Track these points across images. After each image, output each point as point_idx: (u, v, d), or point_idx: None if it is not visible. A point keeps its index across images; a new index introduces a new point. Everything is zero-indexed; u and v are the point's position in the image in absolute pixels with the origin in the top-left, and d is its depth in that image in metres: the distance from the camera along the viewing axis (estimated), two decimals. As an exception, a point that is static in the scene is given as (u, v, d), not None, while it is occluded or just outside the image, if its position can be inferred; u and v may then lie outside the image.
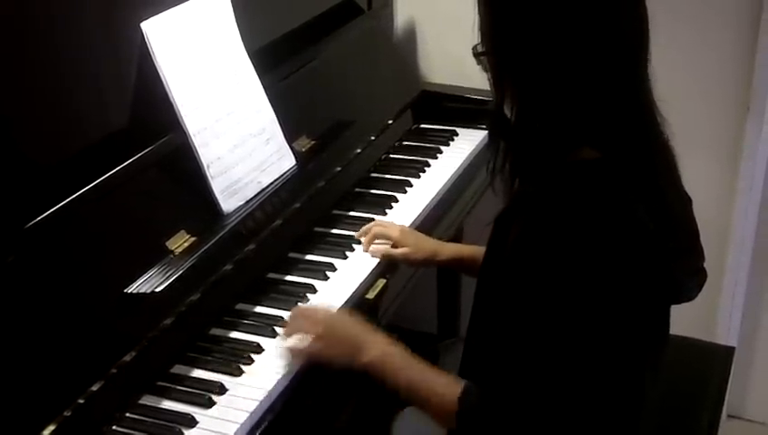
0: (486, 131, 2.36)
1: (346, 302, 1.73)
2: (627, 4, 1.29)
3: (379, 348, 1.49)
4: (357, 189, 2.14)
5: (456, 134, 2.41)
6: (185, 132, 1.70)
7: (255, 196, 1.81)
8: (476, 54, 1.36)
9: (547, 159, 1.33)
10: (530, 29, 1.27)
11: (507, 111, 1.35)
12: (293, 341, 1.56)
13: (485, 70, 1.37)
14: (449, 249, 1.88)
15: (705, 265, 1.54)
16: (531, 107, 1.32)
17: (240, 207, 1.77)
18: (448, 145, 2.36)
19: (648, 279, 1.29)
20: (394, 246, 1.87)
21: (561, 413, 1.31)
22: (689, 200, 1.46)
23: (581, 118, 1.30)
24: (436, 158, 2.29)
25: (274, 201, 1.84)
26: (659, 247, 1.30)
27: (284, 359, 1.56)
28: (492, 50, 1.33)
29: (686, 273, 1.46)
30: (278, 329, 1.63)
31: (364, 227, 1.92)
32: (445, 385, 1.42)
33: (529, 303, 1.28)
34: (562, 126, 1.31)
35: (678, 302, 1.47)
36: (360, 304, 1.72)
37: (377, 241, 1.88)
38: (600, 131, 1.31)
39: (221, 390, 1.49)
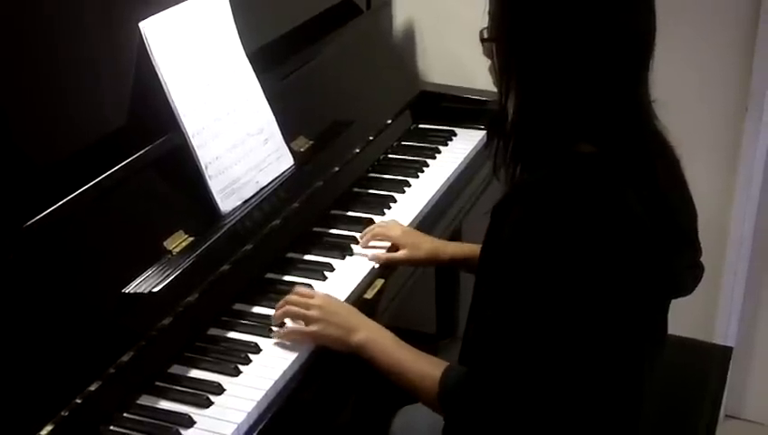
0: (485, 132, 2.38)
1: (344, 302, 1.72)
2: (640, 7, 1.30)
3: (369, 330, 1.55)
4: (355, 189, 2.14)
5: (455, 134, 2.41)
6: (183, 132, 1.70)
7: (253, 196, 1.81)
8: (483, 40, 1.37)
9: (545, 150, 1.34)
10: (543, 19, 1.28)
11: (509, 103, 1.36)
12: (289, 323, 1.61)
13: (489, 56, 1.37)
14: (450, 248, 1.89)
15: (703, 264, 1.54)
16: (533, 97, 1.33)
17: (238, 207, 1.77)
18: (447, 145, 2.36)
19: (640, 271, 1.30)
20: (394, 247, 1.87)
21: (545, 401, 1.32)
22: (689, 196, 1.46)
23: (580, 112, 1.31)
24: (435, 158, 2.29)
25: (273, 201, 1.84)
26: (655, 240, 1.31)
27: (283, 340, 1.60)
28: (501, 35, 1.34)
29: (684, 266, 1.47)
30: (275, 329, 1.63)
31: (366, 230, 1.92)
32: (429, 366, 1.45)
33: (520, 289, 1.29)
34: (562, 118, 1.31)
35: (675, 296, 1.47)
36: (358, 304, 1.72)
37: (377, 242, 1.89)
38: (597, 127, 1.32)
39: (219, 390, 1.49)
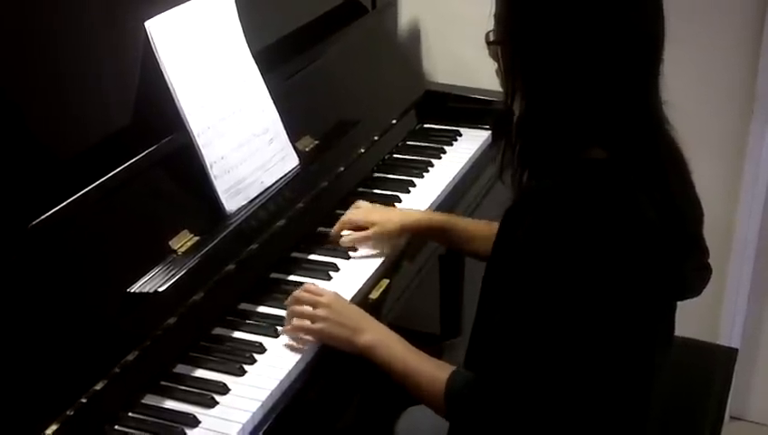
0: (490, 132, 2.38)
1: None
2: (648, 9, 1.30)
3: (376, 331, 1.54)
4: (360, 189, 2.13)
5: (460, 134, 2.41)
6: (188, 132, 1.70)
7: (259, 195, 1.81)
8: (489, 43, 1.37)
9: (555, 156, 1.33)
10: (549, 22, 1.28)
11: (516, 106, 1.36)
12: (296, 321, 1.60)
13: (495, 59, 1.37)
14: (415, 216, 1.90)
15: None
16: (540, 101, 1.32)
17: (243, 207, 1.77)
18: (452, 145, 2.36)
19: (653, 275, 1.30)
20: (364, 228, 1.87)
21: (554, 403, 1.32)
22: (696, 199, 1.46)
23: (590, 116, 1.30)
24: (440, 158, 2.29)
25: (278, 201, 1.84)
26: (665, 244, 1.30)
27: (289, 337, 1.60)
28: (507, 38, 1.34)
29: (692, 269, 1.47)
30: (281, 328, 1.63)
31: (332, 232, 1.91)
32: (436, 369, 1.45)
33: (533, 294, 1.29)
34: (570, 123, 1.31)
35: (683, 298, 1.47)
36: (362, 304, 1.72)
37: (348, 231, 1.89)
38: (607, 131, 1.31)
39: (224, 389, 1.49)
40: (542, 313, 1.28)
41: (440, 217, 1.90)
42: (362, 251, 1.88)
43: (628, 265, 1.26)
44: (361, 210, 1.91)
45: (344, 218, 1.90)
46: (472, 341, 1.54)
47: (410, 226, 1.88)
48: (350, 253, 1.87)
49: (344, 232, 1.89)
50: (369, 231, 1.86)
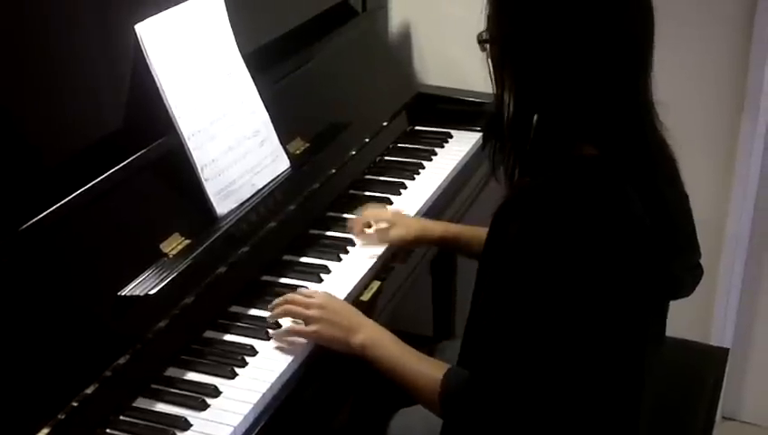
0: (481, 133, 2.38)
1: (340, 304, 1.72)
2: (637, 8, 1.30)
3: (370, 331, 1.55)
4: (351, 191, 2.14)
5: (451, 136, 2.41)
6: (179, 135, 1.69)
7: (250, 198, 1.81)
8: (481, 41, 1.37)
9: (545, 154, 1.34)
10: (539, 22, 1.29)
11: (507, 104, 1.36)
12: (289, 323, 1.61)
13: (488, 57, 1.38)
14: (438, 227, 1.92)
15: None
16: (531, 100, 1.33)
17: (234, 210, 1.76)
18: (443, 147, 2.36)
19: (643, 274, 1.31)
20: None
21: (546, 402, 1.32)
22: (686, 197, 1.47)
23: (580, 114, 1.31)
24: (431, 160, 2.29)
25: (269, 203, 1.84)
26: (656, 243, 1.31)
27: (283, 339, 1.60)
28: (498, 38, 1.34)
29: (683, 268, 1.47)
30: (272, 331, 1.63)
31: (355, 219, 1.93)
32: (431, 368, 1.46)
33: (525, 293, 1.29)
34: (561, 121, 1.32)
35: (675, 297, 1.48)
36: (354, 306, 1.71)
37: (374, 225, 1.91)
38: (598, 129, 1.32)
39: (215, 392, 1.49)
40: (532, 310, 1.29)
41: (458, 228, 1.91)
42: (355, 252, 1.88)
43: (617, 262, 1.27)
44: (387, 212, 1.94)
45: (368, 213, 1.92)
46: (465, 338, 1.54)
47: (428, 235, 1.89)
48: (342, 255, 1.87)
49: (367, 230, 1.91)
50: (393, 233, 1.88)
